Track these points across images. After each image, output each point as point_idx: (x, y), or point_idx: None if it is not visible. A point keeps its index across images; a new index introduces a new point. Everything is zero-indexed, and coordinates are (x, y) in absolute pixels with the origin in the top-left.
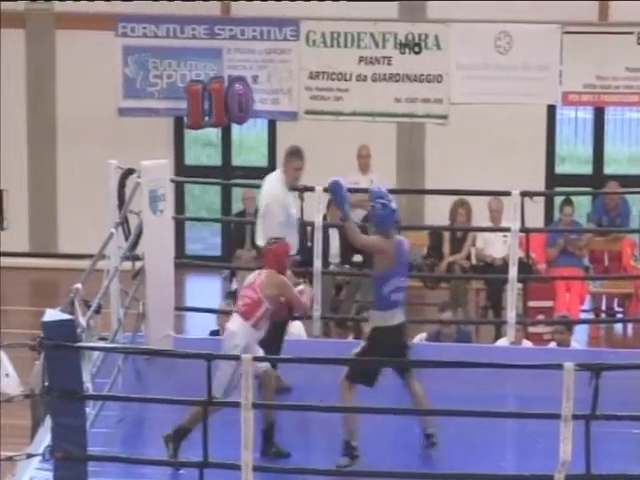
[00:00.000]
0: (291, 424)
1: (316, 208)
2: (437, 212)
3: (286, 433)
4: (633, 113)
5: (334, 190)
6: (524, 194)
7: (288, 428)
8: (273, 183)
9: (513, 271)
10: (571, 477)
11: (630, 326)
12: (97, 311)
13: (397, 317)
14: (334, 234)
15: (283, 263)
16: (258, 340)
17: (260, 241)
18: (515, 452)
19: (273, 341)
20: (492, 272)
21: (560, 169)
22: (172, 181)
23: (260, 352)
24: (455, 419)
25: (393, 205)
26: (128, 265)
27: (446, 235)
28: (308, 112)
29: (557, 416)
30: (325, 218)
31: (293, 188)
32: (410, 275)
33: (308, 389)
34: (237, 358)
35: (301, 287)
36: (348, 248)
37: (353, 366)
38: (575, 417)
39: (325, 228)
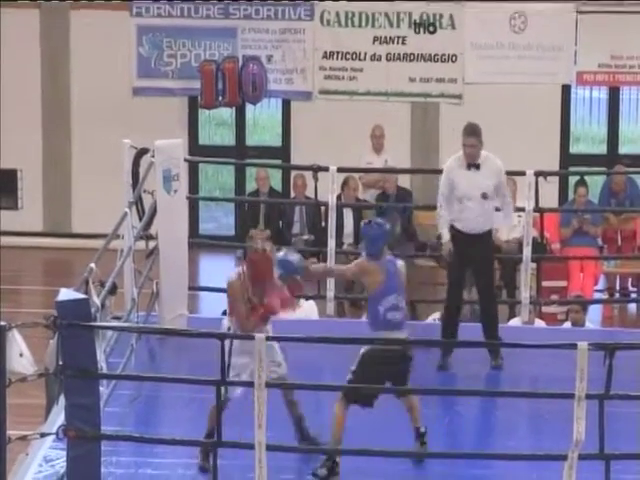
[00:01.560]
0: (305, 404)
1: (330, 188)
2: None
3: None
4: None
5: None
6: (538, 174)
7: (302, 407)
8: (450, 158)
9: (527, 251)
10: (585, 456)
11: None
12: (112, 291)
13: (398, 337)
14: (348, 214)
15: (259, 274)
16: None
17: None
18: (529, 432)
19: None
20: (506, 252)
21: (575, 149)
22: (186, 161)
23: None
24: (469, 398)
25: (387, 226)
26: (142, 245)
27: None
28: (322, 92)
29: (571, 396)
30: (339, 198)
31: (470, 165)
32: (424, 255)
33: (321, 368)
34: (252, 338)
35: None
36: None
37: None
38: (589, 397)
39: (339, 208)
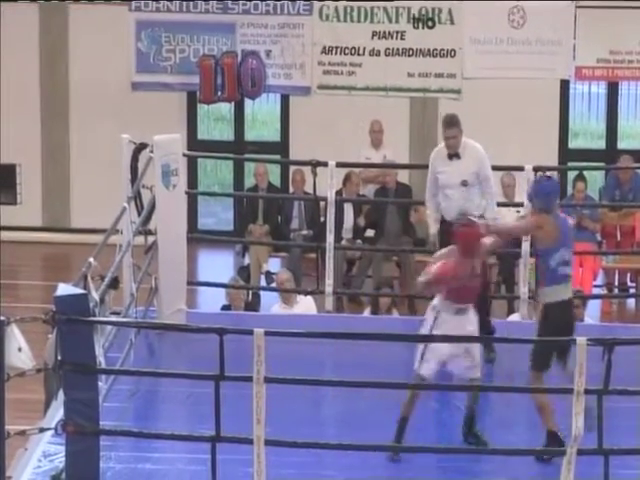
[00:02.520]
0: (303, 399)
1: (329, 183)
2: None
3: (299, 407)
4: None
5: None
6: (537, 169)
7: (301, 402)
8: (433, 151)
9: (526, 246)
10: (583, 451)
11: None
12: (114, 286)
13: (567, 291)
14: (348, 209)
15: (470, 248)
16: (453, 311)
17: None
18: (527, 426)
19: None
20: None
21: (573, 144)
22: (185, 156)
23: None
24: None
25: (557, 179)
26: (141, 240)
27: None
28: (321, 87)
29: (569, 391)
30: (340, 193)
31: (451, 156)
32: (422, 250)
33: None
34: (250, 333)
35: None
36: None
37: (533, 355)
38: (587, 392)
39: (339, 203)
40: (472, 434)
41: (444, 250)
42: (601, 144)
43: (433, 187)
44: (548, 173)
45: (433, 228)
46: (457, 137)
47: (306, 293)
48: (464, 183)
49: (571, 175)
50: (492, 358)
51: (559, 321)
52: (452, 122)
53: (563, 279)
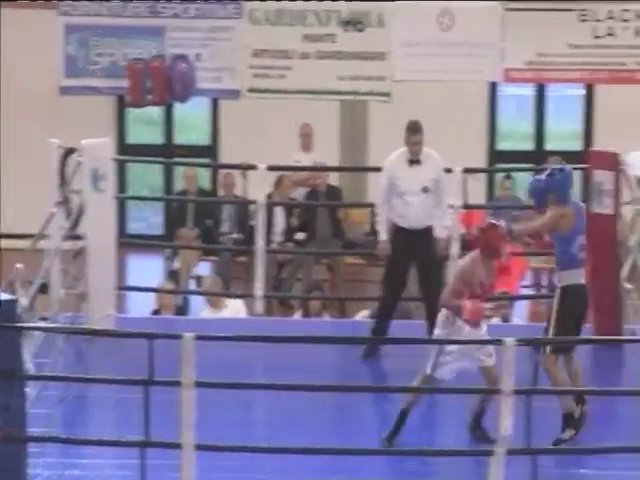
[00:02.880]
0: (234, 403)
1: (259, 186)
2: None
3: (229, 411)
4: (574, 90)
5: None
6: (466, 171)
7: (231, 406)
8: (391, 156)
9: (455, 247)
10: (511, 451)
11: None
12: (43, 292)
13: (582, 276)
14: (279, 212)
15: (494, 249)
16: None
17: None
18: (456, 427)
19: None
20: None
21: (501, 146)
22: (113, 160)
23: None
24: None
25: (569, 168)
26: (69, 245)
27: None
28: (251, 90)
29: (497, 391)
30: (270, 196)
31: (412, 162)
32: (352, 252)
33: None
34: (179, 337)
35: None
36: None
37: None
38: (516, 392)
39: (269, 206)
40: (478, 431)
41: (467, 258)
42: (529, 146)
43: (386, 193)
44: (560, 165)
45: (383, 234)
46: (421, 143)
47: (235, 296)
48: (425, 189)
49: (499, 177)
50: None
51: (577, 302)
52: (417, 128)
53: (581, 263)
